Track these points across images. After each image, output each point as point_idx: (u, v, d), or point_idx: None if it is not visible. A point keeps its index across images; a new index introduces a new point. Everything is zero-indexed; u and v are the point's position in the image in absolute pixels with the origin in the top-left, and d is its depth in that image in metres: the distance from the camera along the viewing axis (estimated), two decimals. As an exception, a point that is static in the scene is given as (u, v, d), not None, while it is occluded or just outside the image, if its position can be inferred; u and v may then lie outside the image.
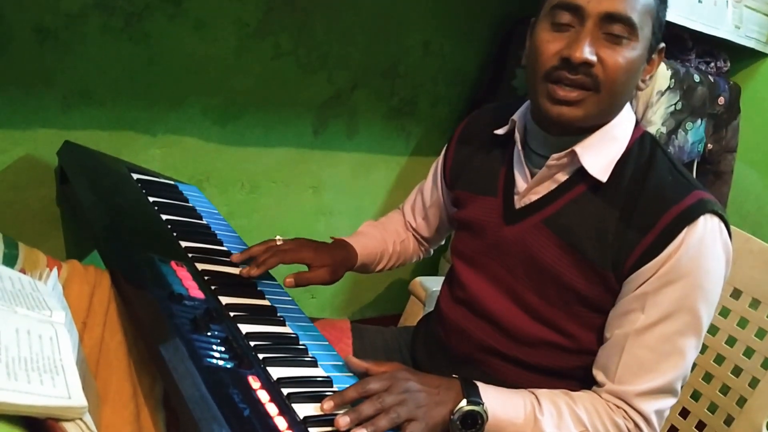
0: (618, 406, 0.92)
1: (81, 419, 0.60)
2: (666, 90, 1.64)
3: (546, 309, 0.97)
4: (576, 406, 0.92)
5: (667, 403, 0.92)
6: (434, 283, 1.56)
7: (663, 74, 1.62)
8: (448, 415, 0.87)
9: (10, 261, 0.87)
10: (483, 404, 0.89)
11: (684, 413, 1.32)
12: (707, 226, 0.89)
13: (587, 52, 0.87)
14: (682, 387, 0.94)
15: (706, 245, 0.89)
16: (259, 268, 1.03)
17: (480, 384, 0.92)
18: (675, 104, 1.69)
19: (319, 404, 0.81)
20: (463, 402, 0.88)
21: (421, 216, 1.28)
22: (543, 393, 0.95)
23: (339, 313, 1.95)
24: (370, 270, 1.25)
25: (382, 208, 1.88)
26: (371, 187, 1.84)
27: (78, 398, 0.60)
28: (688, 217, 0.88)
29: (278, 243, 1.08)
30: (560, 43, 0.89)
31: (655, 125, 1.65)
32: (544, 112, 0.92)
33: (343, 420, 0.78)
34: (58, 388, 0.59)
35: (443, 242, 1.37)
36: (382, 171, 1.84)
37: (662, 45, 0.94)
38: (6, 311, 0.65)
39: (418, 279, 1.61)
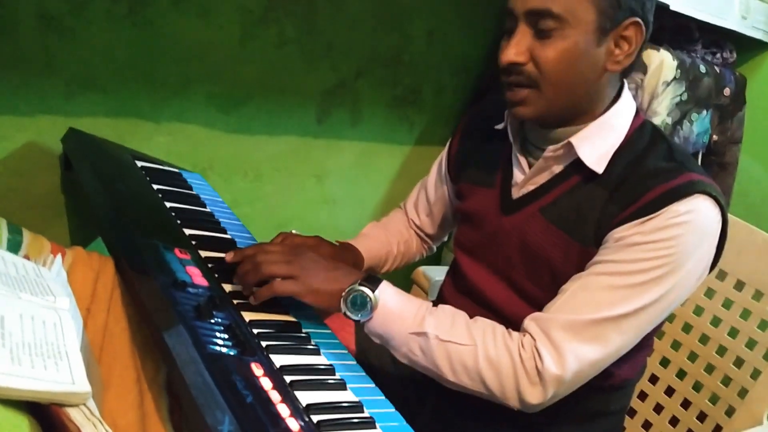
0: (529, 334, 0.89)
1: (85, 405, 0.61)
2: (672, 80, 1.63)
3: (542, 296, 0.97)
4: (474, 323, 0.92)
5: (593, 352, 0.87)
6: (437, 273, 1.56)
7: (669, 65, 1.61)
8: (338, 293, 0.91)
9: (14, 247, 0.87)
10: (375, 291, 0.90)
11: (685, 404, 1.33)
12: (697, 204, 0.87)
13: (510, 54, 0.90)
14: (621, 361, 0.91)
15: (692, 221, 0.87)
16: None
17: (385, 282, 0.94)
18: (680, 95, 1.68)
19: (322, 392, 0.81)
20: (356, 284, 0.91)
21: (425, 213, 1.28)
22: (447, 306, 0.95)
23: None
24: (375, 272, 1.25)
25: (386, 198, 1.88)
26: (374, 176, 1.84)
27: (82, 384, 0.60)
28: (676, 194, 0.87)
29: (294, 234, 1.09)
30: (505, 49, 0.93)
31: (661, 116, 1.64)
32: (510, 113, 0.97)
33: (228, 255, 0.95)
34: (62, 373, 0.60)
35: (446, 239, 1.37)
36: (386, 160, 1.84)
37: (633, 19, 0.91)
38: (10, 297, 0.65)
39: (421, 268, 1.61)
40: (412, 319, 0.91)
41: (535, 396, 0.88)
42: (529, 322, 0.91)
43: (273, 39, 1.48)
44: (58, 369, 0.60)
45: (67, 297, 0.72)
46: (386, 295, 0.92)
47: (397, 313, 0.91)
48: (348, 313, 0.92)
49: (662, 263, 0.87)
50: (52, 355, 0.61)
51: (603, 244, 0.91)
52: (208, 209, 1.20)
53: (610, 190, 0.92)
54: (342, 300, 0.91)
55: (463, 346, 0.90)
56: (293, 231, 1.10)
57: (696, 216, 0.87)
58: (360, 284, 0.91)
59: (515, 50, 0.90)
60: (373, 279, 0.93)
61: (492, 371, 0.88)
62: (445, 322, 0.91)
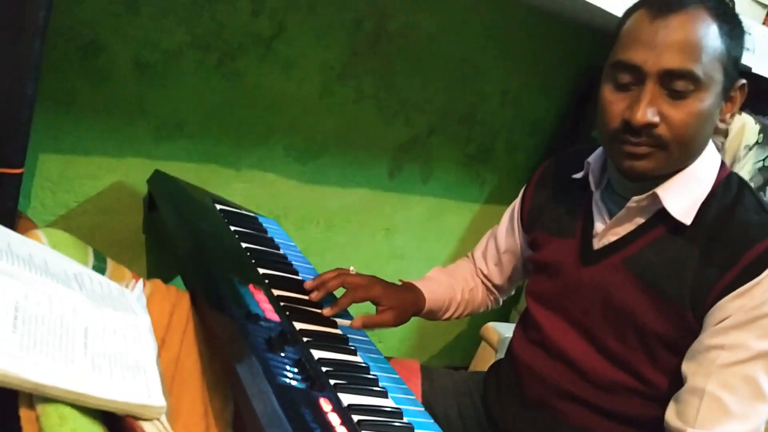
0: None
1: (159, 420, 0.61)
2: (754, 145, 1.59)
3: (624, 352, 0.93)
4: None
5: None
6: (507, 329, 1.53)
7: (751, 128, 1.57)
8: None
9: (98, 273, 0.91)
10: None
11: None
12: None
13: (647, 114, 0.86)
14: None
15: None
16: (333, 308, 1.03)
17: None
18: (764, 160, 1.63)
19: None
20: None
21: (494, 262, 1.25)
22: None
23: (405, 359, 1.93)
24: (437, 317, 1.23)
25: (454, 255, 1.87)
26: (443, 232, 1.84)
27: (158, 398, 0.61)
28: None
29: (351, 272, 1.09)
30: (623, 104, 0.89)
31: (742, 180, 1.60)
32: (617, 167, 0.93)
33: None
34: (139, 386, 0.61)
35: (513, 293, 1.35)
36: (455, 217, 1.84)
37: (742, 81, 0.90)
38: (94, 311, 0.67)
39: (491, 324, 1.58)
40: None
41: None
42: None
43: (351, 94, 1.52)
44: (135, 382, 0.60)
45: (147, 316, 0.74)
46: None
47: None
48: None
49: None
50: (130, 368, 0.62)
51: (708, 317, 0.87)
52: (281, 252, 1.23)
53: (702, 246, 0.89)
54: None
55: None
56: (351, 268, 1.10)
57: None
58: None
59: (651, 111, 0.86)
60: None
61: None
62: None
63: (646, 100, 0.86)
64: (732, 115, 0.92)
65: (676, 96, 0.86)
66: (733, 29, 0.89)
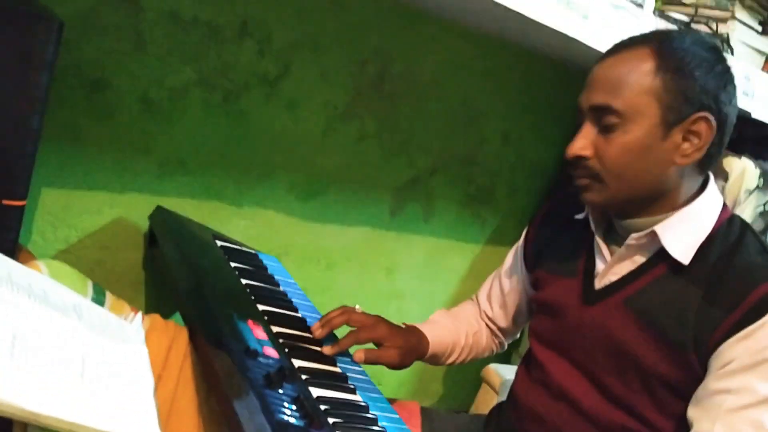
0: None
1: (154, 454, 0.60)
2: (755, 189, 1.60)
3: (627, 394, 0.92)
4: None
5: None
6: (508, 372, 1.51)
7: (751, 173, 1.58)
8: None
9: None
10: None
11: None
12: None
13: (575, 148, 0.93)
14: None
15: None
16: (324, 328, 1.03)
17: None
18: (764, 204, 1.63)
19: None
20: None
21: (499, 304, 1.24)
22: None
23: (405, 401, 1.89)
24: (440, 361, 1.21)
25: (455, 296, 1.86)
26: (444, 272, 1.83)
27: (153, 430, 0.60)
28: None
29: (357, 310, 1.08)
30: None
31: (743, 224, 1.60)
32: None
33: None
34: (135, 418, 0.59)
35: (518, 336, 1.33)
36: (457, 257, 1.83)
37: (702, 114, 0.90)
38: (92, 341, 0.66)
39: (492, 366, 1.56)
40: None
41: None
42: None
43: (354, 133, 1.54)
44: (131, 413, 0.59)
45: (145, 348, 0.73)
46: None
47: None
48: None
49: None
50: (126, 399, 0.61)
51: (713, 360, 0.87)
52: (281, 289, 1.22)
53: (704, 288, 0.89)
54: None
55: None
56: (357, 306, 1.10)
57: None
58: None
59: (580, 144, 0.93)
60: None
61: None
62: None
63: (580, 135, 0.93)
64: (698, 150, 0.91)
65: (605, 130, 0.91)
66: (683, 64, 0.89)
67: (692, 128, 0.91)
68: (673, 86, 0.89)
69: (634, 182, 0.92)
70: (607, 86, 0.90)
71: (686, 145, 0.91)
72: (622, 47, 0.94)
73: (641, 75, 0.89)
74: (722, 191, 1.57)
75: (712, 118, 0.90)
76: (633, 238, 0.94)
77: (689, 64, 0.89)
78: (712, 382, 0.86)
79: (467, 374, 1.93)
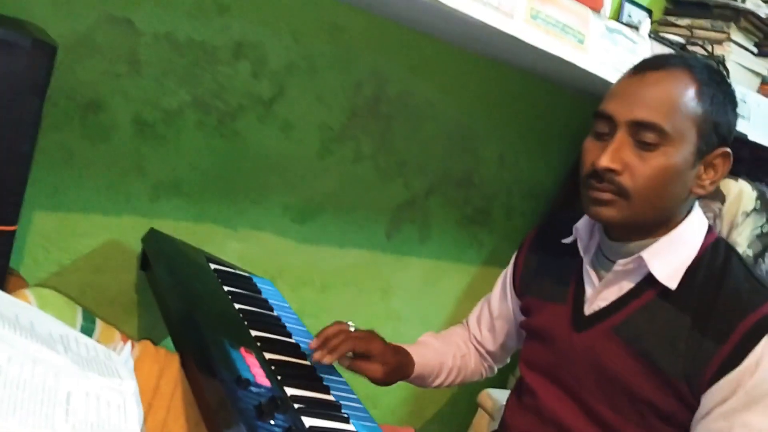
0: None
1: (140, 492, 0.58)
2: (751, 211, 1.59)
3: (618, 421, 0.91)
4: None
5: None
6: (503, 396, 1.49)
7: (748, 195, 1.57)
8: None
9: (87, 334, 0.88)
10: None
11: None
12: None
13: (608, 160, 0.88)
14: None
15: None
16: (332, 354, 1.01)
17: None
18: (761, 226, 1.63)
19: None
20: None
21: (488, 328, 1.24)
22: None
23: (400, 425, 1.87)
24: (426, 383, 1.19)
25: (450, 317, 1.84)
26: (440, 294, 1.82)
27: (139, 469, 0.58)
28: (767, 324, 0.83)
29: (350, 328, 1.07)
30: (596, 151, 0.91)
31: (741, 247, 1.59)
32: (587, 213, 0.94)
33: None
34: (122, 456, 0.58)
35: (508, 361, 1.32)
36: (453, 279, 1.82)
37: (724, 149, 0.90)
38: (79, 375, 0.65)
39: (487, 390, 1.54)
40: None
41: None
42: None
43: (349, 155, 1.53)
44: (117, 451, 0.58)
45: (133, 381, 0.72)
46: None
47: None
48: None
49: None
50: (113, 436, 0.60)
51: (708, 395, 0.85)
52: (275, 313, 1.20)
53: (693, 314, 0.88)
54: None
55: None
56: (349, 323, 1.09)
57: None
58: None
59: (612, 157, 0.88)
60: None
61: None
62: None
63: (613, 147, 0.88)
64: (712, 183, 0.91)
65: (643, 147, 0.88)
66: (715, 96, 0.89)
67: (713, 161, 0.91)
68: (710, 117, 0.89)
69: (657, 204, 0.90)
70: (655, 104, 0.87)
71: (705, 177, 0.91)
72: (660, 66, 0.90)
73: (689, 99, 0.88)
74: (719, 214, 1.57)
75: (730, 152, 0.91)
76: (620, 264, 0.94)
77: (719, 95, 0.90)
78: (712, 422, 0.85)
79: (462, 399, 1.91)
